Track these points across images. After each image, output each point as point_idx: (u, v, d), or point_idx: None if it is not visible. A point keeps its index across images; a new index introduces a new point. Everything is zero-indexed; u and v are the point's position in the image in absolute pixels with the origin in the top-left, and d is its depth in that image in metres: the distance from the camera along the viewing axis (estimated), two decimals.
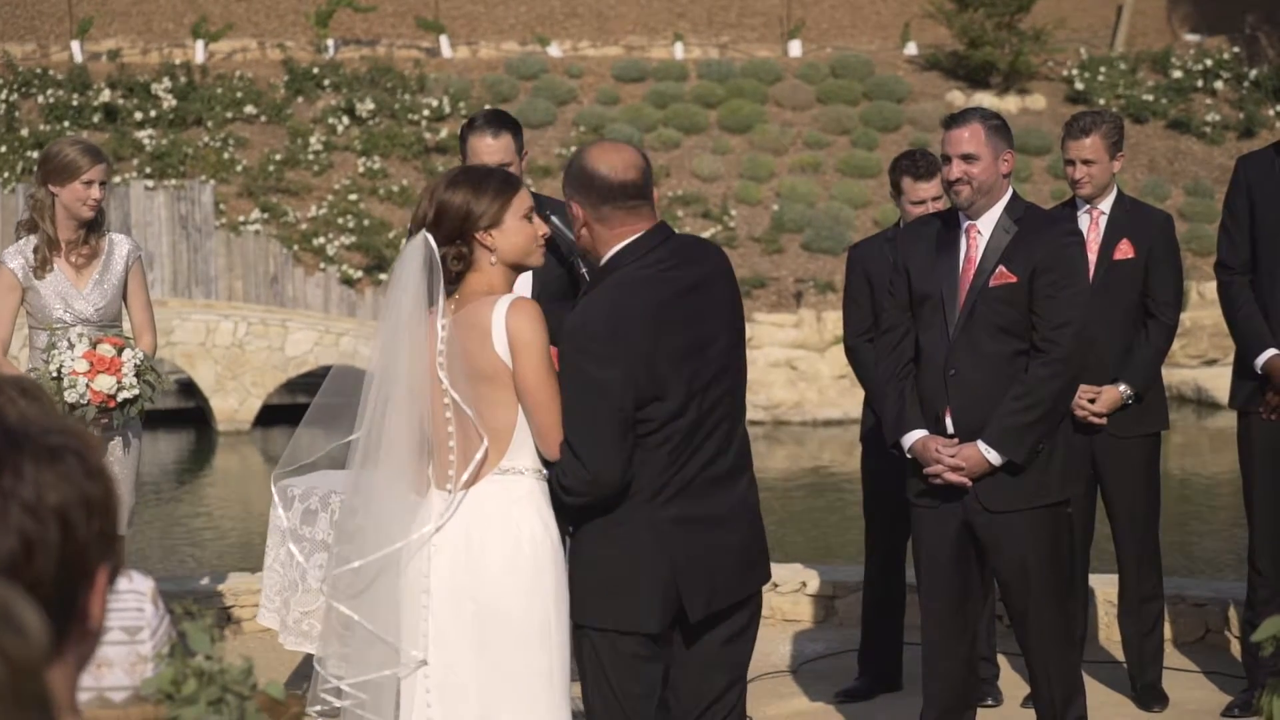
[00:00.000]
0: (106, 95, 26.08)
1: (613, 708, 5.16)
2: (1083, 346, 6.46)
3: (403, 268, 4.97)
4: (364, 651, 4.93)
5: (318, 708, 5.01)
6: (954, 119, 6.59)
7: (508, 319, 4.87)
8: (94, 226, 7.67)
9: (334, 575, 5.01)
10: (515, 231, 5.00)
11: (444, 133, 26.44)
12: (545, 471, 5.01)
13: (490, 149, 6.76)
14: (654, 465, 5.06)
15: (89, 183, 7.54)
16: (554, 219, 6.94)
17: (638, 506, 5.07)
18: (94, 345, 7.30)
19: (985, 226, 6.47)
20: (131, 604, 3.32)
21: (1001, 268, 6.37)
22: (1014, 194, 6.56)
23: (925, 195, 7.75)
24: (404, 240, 5.16)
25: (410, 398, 4.90)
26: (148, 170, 25.01)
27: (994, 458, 6.28)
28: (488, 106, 26.55)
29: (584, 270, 6.98)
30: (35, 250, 7.59)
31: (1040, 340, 6.32)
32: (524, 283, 6.61)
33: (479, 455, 4.92)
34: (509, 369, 4.88)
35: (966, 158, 6.45)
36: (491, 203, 5.00)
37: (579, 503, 5.04)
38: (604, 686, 5.15)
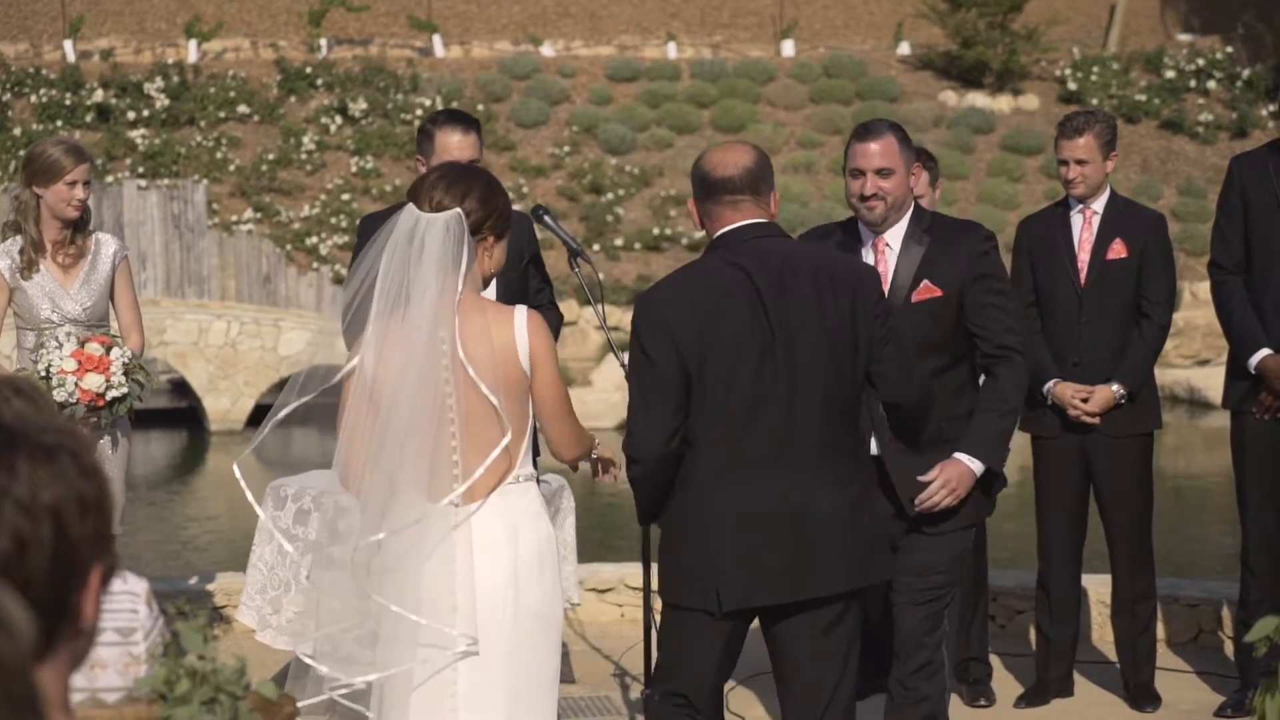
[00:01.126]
0: (99, 95, 26.07)
1: (667, 667, 5.47)
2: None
3: (425, 249, 4.86)
4: (392, 644, 4.90)
5: (312, 700, 4.97)
6: (866, 131, 6.28)
7: (530, 334, 4.93)
8: (80, 226, 7.66)
9: (359, 567, 4.94)
10: (504, 250, 5.12)
11: None
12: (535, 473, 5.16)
13: (460, 145, 6.79)
14: (714, 446, 5.25)
15: (73, 183, 7.53)
16: (548, 219, 6.98)
17: (698, 485, 5.28)
18: (82, 344, 7.29)
19: (894, 240, 6.23)
20: (125, 605, 3.32)
21: (926, 282, 6.16)
22: (917, 205, 6.35)
23: None
24: (394, 217, 5.00)
25: (427, 400, 4.87)
26: (140, 170, 25.00)
27: (978, 468, 6.04)
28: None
29: (575, 269, 7.00)
30: (21, 251, 7.59)
31: (995, 349, 6.14)
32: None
33: (496, 453, 4.92)
34: (527, 381, 4.92)
35: (881, 172, 6.19)
36: (510, 214, 5.08)
37: (636, 472, 5.31)
38: (666, 647, 5.50)
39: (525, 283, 7.01)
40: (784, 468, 5.25)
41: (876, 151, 6.18)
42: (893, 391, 5.48)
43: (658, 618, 6.22)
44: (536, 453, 6.59)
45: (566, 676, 8.26)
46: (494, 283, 6.65)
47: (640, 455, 5.27)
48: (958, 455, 6.02)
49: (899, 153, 6.19)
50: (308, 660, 5.00)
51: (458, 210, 4.90)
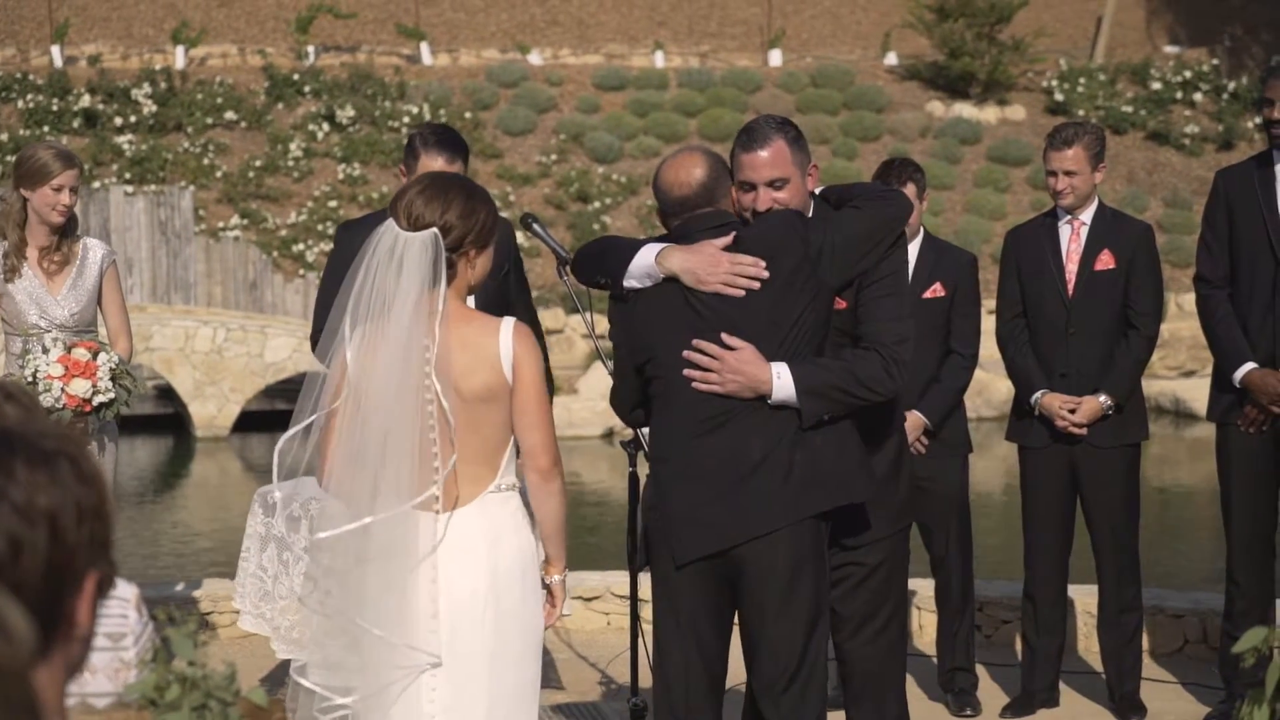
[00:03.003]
0: (86, 100, 26.05)
1: (656, 633, 5.59)
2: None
3: (404, 267, 4.87)
4: (372, 660, 4.90)
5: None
6: (752, 138, 5.55)
7: (515, 343, 4.93)
8: (67, 232, 7.67)
9: (325, 583, 4.95)
10: (489, 258, 5.09)
11: None
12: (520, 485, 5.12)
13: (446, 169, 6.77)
14: (668, 421, 5.48)
15: (59, 188, 7.54)
16: (536, 225, 6.97)
17: (658, 460, 5.54)
18: (69, 349, 7.28)
19: None
20: (115, 610, 3.32)
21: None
22: (816, 203, 5.70)
23: None
24: (379, 230, 5.00)
25: (409, 408, 4.87)
26: (127, 176, 24.98)
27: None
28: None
29: (564, 277, 7.00)
30: (5, 256, 7.59)
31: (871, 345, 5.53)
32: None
33: (449, 470, 4.92)
34: (509, 390, 4.91)
35: (774, 184, 5.54)
36: (496, 225, 5.07)
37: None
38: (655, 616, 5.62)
39: (505, 293, 7.00)
40: (725, 432, 5.39)
41: (766, 161, 5.53)
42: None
43: (645, 626, 6.20)
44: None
45: (554, 683, 8.27)
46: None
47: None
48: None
49: (791, 158, 5.54)
50: (298, 678, 5.00)
51: (434, 231, 4.89)
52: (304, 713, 4.99)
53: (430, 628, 4.90)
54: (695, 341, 5.37)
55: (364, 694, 4.91)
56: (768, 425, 5.38)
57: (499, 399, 4.92)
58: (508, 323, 4.98)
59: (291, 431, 4.96)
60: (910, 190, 7.78)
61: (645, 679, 6.78)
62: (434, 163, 6.76)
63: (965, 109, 28.40)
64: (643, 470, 6.22)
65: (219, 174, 25.49)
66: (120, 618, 3.32)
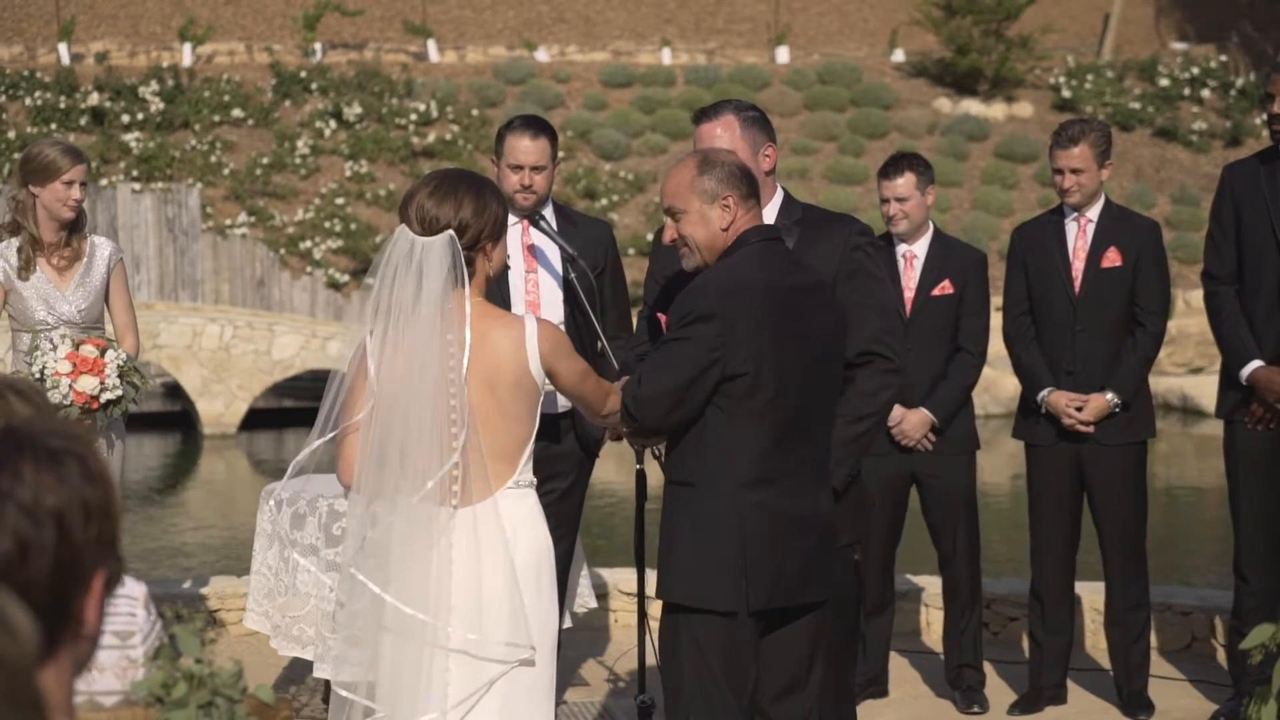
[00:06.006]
0: (94, 98, 26.06)
1: (694, 687, 5.17)
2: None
3: (424, 272, 4.86)
4: (401, 640, 4.89)
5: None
6: (704, 112, 5.74)
7: (541, 343, 4.94)
8: (75, 228, 7.68)
9: (361, 573, 4.93)
10: (504, 247, 5.10)
11: (431, 137, 26.43)
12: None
13: (528, 150, 7.00)
14: (752, 449, 5.09)
15: (69, 183, 7.55)
16: (543, 224, 6.98)
17: (732, 490, 5.09)
18: (76, 346, 7.29)
19: None
20: (123, 609, 3.32)
21: None
22: (786, 194, 5.82)
23: (888, 194, 7.85)
24: (394, 237, 5.02)
25: (434, 403, 4.87)
26: (134, 173, 24.99)
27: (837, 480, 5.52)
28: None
29: (573, 275, 7.00)
30: (19, 251, 7.60)
31: (856, 355, 5.55)
32: (554, 293, 6.84)
33: (454, 465, 4.93)
34: (537, 386, 4.92)
35: None
36: (505, 216, 5.06)
37: (615, 422, 5.20)
38: (690, 665, 5.17)
39: (599, 294, 7.06)
40: (807, 475, 5.23)
41: (714, 133, 5.65)
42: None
43: (652, 623, 6.16)
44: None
45: (579, 680, 8.26)
46: (560, 306, 6.84)
47: (639, 410, 5.07)
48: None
49: (742, 134, 5.65)
50: (341, 692, 4.98)
51: (450, 234, 4.89)
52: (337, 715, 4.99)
53: (445, 622, 4.90)
54: None
55: (383, 678, 4.90)
56: (825, 478, 5.35)
57: (523, 397, 4.92)
58: (530, 322, 4.98)
59: (313, 445, 4.97)
60: (910, 179, 7.83)
61: (652, 676, 6.78)
62: (520, 142, 7.05)
63: (972, 106, 28.39)
64: (649, 468, 6.21)
65: (226, 171, 25.50)
66: (128, 616, 3.33)
